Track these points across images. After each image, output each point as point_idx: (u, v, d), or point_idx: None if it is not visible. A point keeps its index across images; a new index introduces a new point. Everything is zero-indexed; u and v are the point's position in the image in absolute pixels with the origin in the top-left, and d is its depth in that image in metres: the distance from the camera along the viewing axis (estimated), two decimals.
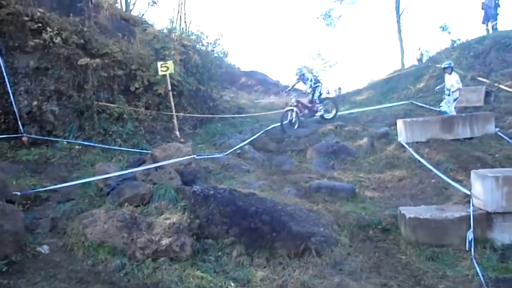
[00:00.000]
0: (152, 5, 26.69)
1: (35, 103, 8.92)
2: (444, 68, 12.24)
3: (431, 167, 7.99)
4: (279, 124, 12.47)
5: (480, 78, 14.81)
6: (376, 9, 48.10)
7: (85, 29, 10.36)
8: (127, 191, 6.01)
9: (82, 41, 9.98)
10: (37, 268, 4.60)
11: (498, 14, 19.54)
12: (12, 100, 8.54)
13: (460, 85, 11.81)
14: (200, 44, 15.70)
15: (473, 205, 5.67)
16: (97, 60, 9.77)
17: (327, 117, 13.75)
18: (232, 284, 4.62)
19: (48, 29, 9.25)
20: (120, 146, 9.33)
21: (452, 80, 11.80)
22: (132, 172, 6.88)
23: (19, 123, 8.56)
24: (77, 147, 8.88)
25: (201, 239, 5.47)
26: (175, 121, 11.44)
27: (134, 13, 20.72)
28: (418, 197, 7.41)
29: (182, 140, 10.24)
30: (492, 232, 5.47)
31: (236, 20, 77.90)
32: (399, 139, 10.09)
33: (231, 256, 5.21)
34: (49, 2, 10.35)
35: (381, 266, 5.12)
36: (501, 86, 13.80)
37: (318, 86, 13.71)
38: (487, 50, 16.68)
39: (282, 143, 11.45)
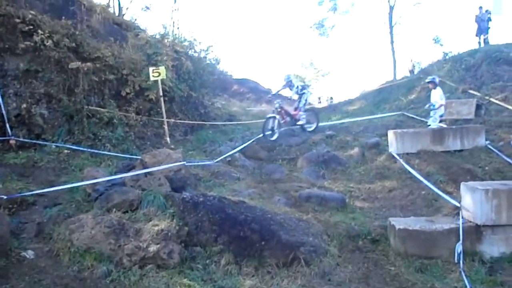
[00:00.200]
0: (145, 10, 26.80)
1: (24, 106, 8.78)
2: (428, 82, 11.97)
3: (421, 179, 8.00)
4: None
5: (471, 91, 14.96)
6: (369, 20, 48.50)
7: (77, 32, 10.29)
8: (115, 196, 5.93)
9: (73, 44, 9.92)
10: (22, 273, 4.52)
11: (489, 28, 19.94)
12: (1, 102, 8.41)
13: (443, 102, 11.52)
14: (193, 50, 15.78)
15: (462, 218, 5.67)
16: (89, 64, 9.68)
17: (308, 129, 13.23)
18: None
19: (40, 31, 9.18)
20: (109, 151, 9.22)
21: (435, 97, 11.52)
22: (121, 177, 6.80)
23: (7, 125, 8.41)
24: (65, 151, 8.75)
25: (190, 247, 5.40)
26: (165, 127, 11.38)
27: (126, 17, 20.64)
28: (408, 208, 7.40)
29: (172, 146, 10.17)
30: (481, 245, 5.48)
31: (229, 27, 78.64)
32: (390, 150, 10.13)
33: (219, 265, 5.14)
34: (41, 4, 10.30)
35: (370, 277, 5.09)
36: (491, 99, 13.94)
37: (305, 93, 13.31)
38: (479, 64, 16.89)
39: (273, 151, 11.43)
